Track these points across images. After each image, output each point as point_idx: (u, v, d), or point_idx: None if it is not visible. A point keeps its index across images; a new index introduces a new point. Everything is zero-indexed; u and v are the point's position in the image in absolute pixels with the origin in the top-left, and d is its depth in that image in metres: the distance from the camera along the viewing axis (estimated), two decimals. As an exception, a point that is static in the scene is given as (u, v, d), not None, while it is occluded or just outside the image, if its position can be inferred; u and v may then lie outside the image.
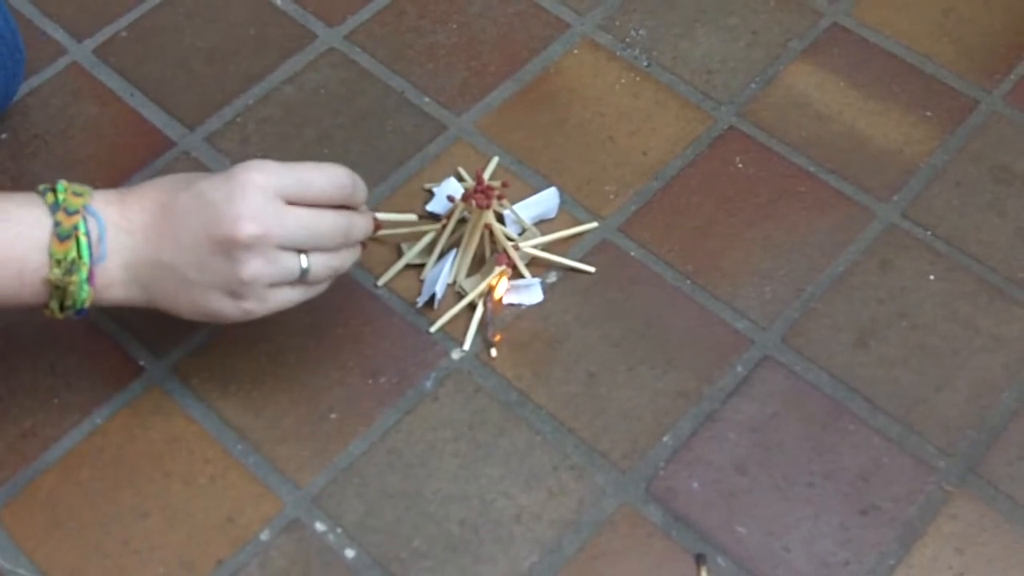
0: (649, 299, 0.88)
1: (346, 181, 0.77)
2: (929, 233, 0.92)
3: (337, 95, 1.00)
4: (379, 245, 0.91)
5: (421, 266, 0.89)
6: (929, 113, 0.98)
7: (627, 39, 1.03)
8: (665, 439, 0.82)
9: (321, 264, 0.76)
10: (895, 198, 0.94)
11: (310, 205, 0.75)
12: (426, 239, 0.89)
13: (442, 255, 0.89)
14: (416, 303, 0.88)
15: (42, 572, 0.77)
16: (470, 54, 1.03)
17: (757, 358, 0.86)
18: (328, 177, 0.76)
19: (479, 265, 0.89)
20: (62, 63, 1.03)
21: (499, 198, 0.87)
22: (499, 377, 0.85)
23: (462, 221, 0.88)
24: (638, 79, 1.01)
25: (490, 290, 0.87)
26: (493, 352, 0.86)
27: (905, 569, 0.77)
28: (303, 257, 0.75)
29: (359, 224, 0.78)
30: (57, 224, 0.71)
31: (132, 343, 0.87)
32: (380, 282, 0.89)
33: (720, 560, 0.77)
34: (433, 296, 0.87)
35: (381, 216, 0.83)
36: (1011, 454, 0.81)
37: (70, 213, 0.72)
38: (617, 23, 1.05)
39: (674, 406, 0.83)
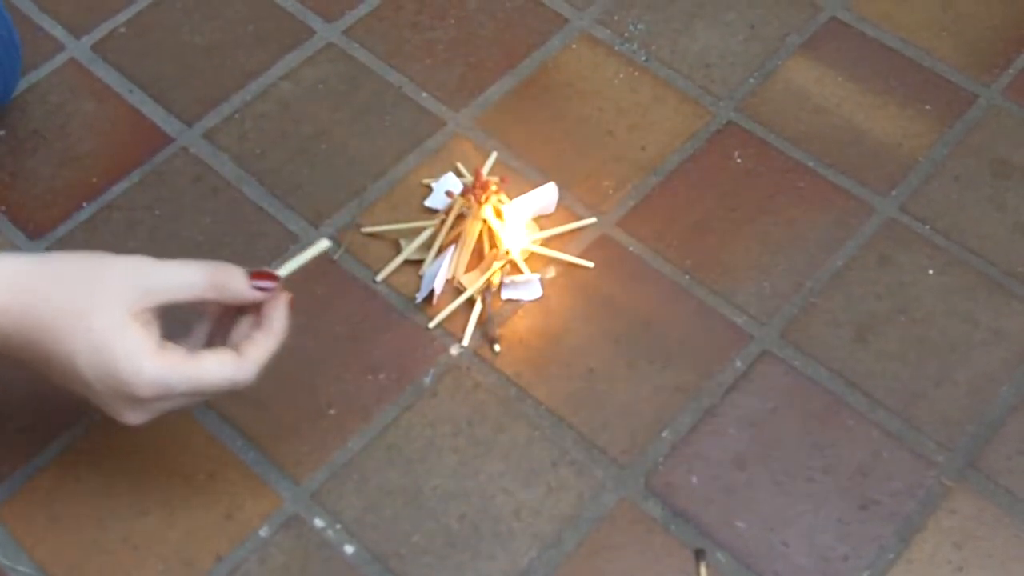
0: (648, 294, 0.88)
1: (228, 373, 0.71)
2: (928, 227, 0.92)
3: (335, 91, 1.00)
4: (378, 241, 0.91)
5: (420, 262, 0.89)
6: (928, 107, 0.98)
7: (625, 34, 1.03)
8: (664, 434, 0.82)
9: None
10: (894, 192, 0.93)
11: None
12: (425, 234, 0.89)
13: (441, 251, 0.89)
14: (415, 299, 0.88)
15: (42, 569, 0.77)
16: (468, 49, 1.03)
17: (756, 353, 0.86)
18: (207, 374, 0.71)
19: (478, 261, 0.89)
20: (60, 59, 1.03)
21: (497, 193, 0.87)
22: (498, 373, 0.85)
23: (460, 216, 0.88)
24: (636, 74, 1.01)
25: (489, 286, 0.87)
26: (497, 348, 0.86)
27: (904, 563, 0.77)
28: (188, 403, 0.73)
29: (244, 367, 0.72)
30: None
31: (131, 340, 0.86)
32: (379, 277, 0.89)
33: (719, 555, 0.77)
34: (432, 292, 0.87)
35: (284, 271, 0.75)
36: (1010, 448, 0.81)
37: None
38: (615, 18, 1.04)
39: (673, 401, 0.83)
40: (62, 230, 0.92)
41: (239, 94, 1.00)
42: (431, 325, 0.87)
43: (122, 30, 1.05)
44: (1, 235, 0.92)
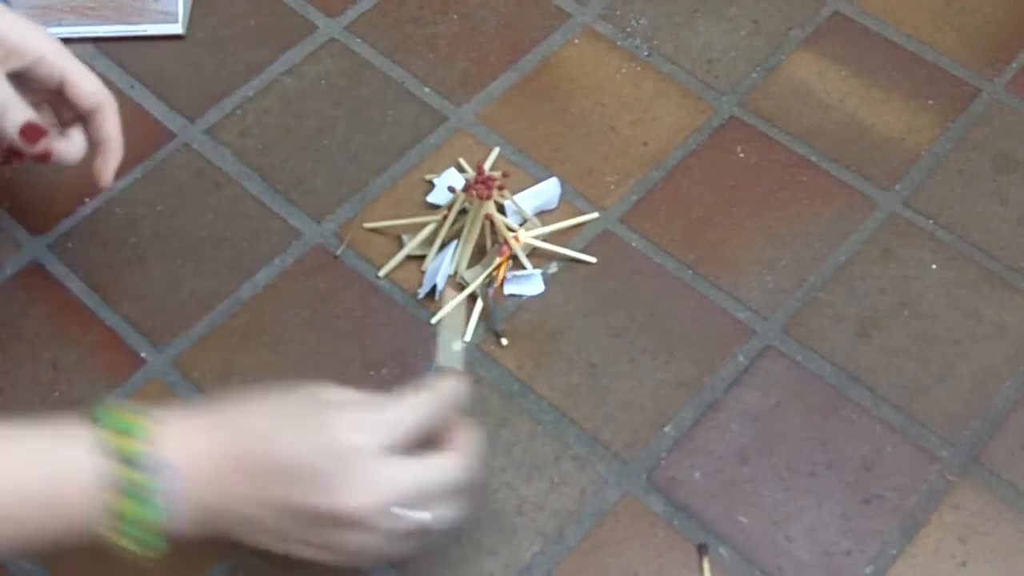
0: (650, 289, 0.88)
1: (448, 400, 0.69)
2: (931, 222, 0.91)
3: (337, 86, 1.00)
4: (380, 237, 0.91)
5: (422, 257, 0.89)
6: (931, 101, 0.98)
7: (628, 28, 1.03)
8: (667, 429, 0.82)
9: (443, 518, 0.68)
10: (897, 187, 0.93)
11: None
12: (427, 230, 0.89)
13: (443, 246, 0.89)
14: (417, 294, 0.88)
15: (43, 565, 0.77)
16: (470, 44, 1.03)
17: (759, 348, 0.85)
18: (424, 412, 0.68)
19: (480, 256, 0.89)
20: (62, 55, 1.03)
21: (500, 188, 0.87)
22: (500, 368, 0.85)
23: (463, 212, 0.88)
24: (639, 69, 1.01)
25: (491, 280, 0.87)
26: (504, 341, 0.85)
27: (908, 558, 0.77)
28: (419, 514, 0.66)
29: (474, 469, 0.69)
30: (115, 478, 0.62)
31: (133, 335, 0.86)
32: (381, 273, 0.89)
33: (722, 550, 0.77)
34: (434, 287, 0.87)
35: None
36: (1013, 443, 0.81)
37: (131, 464, 0.62)
38: (618, 12, 1.04)
39: (676, 396, 0.83)
40: (64, 226, 0.92)
41: (241, 89, 1.00)
42: (434, 321, 0.87)
43: (124, 26, 1.05)
44: (3, 232, 0.92)
